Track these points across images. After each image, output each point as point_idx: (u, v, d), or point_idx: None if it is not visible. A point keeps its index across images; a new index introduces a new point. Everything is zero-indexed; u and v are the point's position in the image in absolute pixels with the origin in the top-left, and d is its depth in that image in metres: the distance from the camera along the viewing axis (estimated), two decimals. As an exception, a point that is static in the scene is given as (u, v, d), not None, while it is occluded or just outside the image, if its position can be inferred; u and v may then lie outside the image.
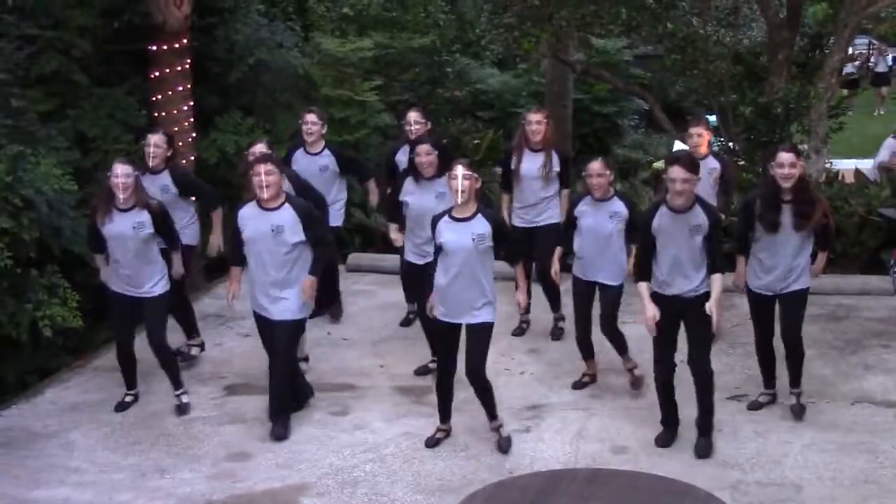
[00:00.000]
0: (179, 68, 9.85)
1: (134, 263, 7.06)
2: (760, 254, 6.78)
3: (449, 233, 6.36)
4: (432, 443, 6.70)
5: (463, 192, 6.24)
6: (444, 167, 7.03)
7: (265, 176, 6.59)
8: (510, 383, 7.63)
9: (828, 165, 11.93)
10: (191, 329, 8.23)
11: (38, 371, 8.05)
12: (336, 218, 8.65)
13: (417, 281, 7.31)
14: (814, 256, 6.89)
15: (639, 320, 6.74)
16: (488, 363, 6.62)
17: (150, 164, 7.65)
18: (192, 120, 10.05)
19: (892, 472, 6.24)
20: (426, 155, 7.24)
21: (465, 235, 6.31)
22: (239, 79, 10.74)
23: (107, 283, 7.28)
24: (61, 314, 7.75)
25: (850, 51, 16.63)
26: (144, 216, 6.98)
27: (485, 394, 6.59)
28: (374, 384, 7.79)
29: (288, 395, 7.00)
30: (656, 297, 6.38)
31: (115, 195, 6.89)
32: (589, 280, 7.31)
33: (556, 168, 8.09)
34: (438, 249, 6.44)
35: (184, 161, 9.83)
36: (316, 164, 8.50)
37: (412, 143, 7.97)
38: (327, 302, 8.87)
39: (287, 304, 6.80)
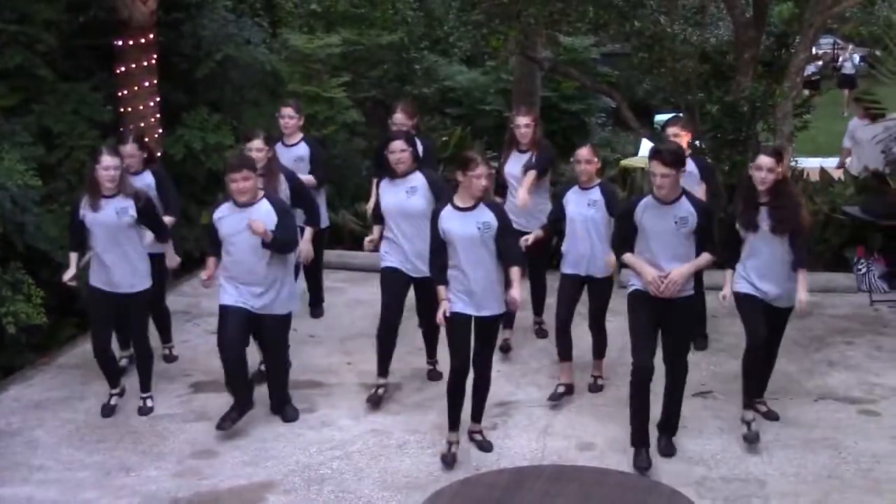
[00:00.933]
0: (146, 64, 9.78)
1: (117, 255, 6.98)
2: (748, 261, 6.61)
3: (454, 223, 6.33)
4: (450, 459, 6.42)
5: (486, 188, 6.36)
6: (415, 162, 7.20)
7: (242, 182, 6.64)
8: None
9: (793, 164, 12.02)
10: (167, 334, 8.21)
11: (2, 368, 7.98)
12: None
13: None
14: None
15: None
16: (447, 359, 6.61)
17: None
18: (158, 116, 9.99)
19: (855, 468, 6.31)
20: (400, 152, 7.15)
21: (471, 225, 6.29)
22: (206, 75, 10.67)
23: (88, 281, 7.16)
24: (25, 311, 7.69)
25: (815, 51, 16.77)
26: (128, 203, 6.95)
27: (484, 387, 6.57)
28: (342, 381, 7.78)
29: (286, 383, 7.20)
30: (641, 294, 6.31)
31: (101, 185, 6.88)
32: (576, 274, 7.30)
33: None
34: (441, 243, 6.38)
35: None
36: (291, 154, 8.46)
37: (391, 133, 7.97)
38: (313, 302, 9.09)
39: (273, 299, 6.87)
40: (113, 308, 7.13)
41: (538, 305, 8.52)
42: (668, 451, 6.48)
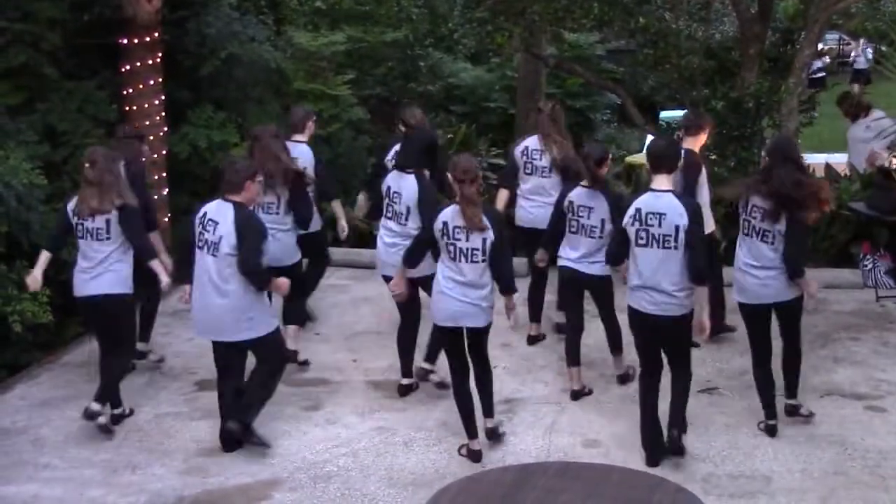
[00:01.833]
0: (150, 62, 9.77)
1: (97, 262, 6.82)
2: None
3: (459, 235, 6.28)
4: (478, 456, 6.44)
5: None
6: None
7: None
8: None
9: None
10: (146, 333, 8.00)
11: (8, 367, 7.99)
12: (315, 222, 8.22)
13: None
14: None
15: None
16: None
17: None
18: (163, 114, 9.98)
19: (861, 464, 6.30)
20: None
21: (475, 241, 6.23)
22: (211, 73, 10.67)
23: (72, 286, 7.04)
24: (31, 309, 7.70)
25: (821, 46, 16.74)
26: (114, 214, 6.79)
27: (488, 376, 6.56)
28: (347, 379, 7.78)
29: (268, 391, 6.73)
30: (633, 313, 6.22)
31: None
32: (572, 266, 7.24)
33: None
34: (433, 240, 6.37)
35: (155, 156, 9.78)
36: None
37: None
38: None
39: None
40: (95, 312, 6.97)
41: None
42: (676, 449, 6.46)
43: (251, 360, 6.67)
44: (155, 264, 7.03)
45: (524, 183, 8.24)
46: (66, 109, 9.26)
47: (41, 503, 6.12)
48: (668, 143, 6.63)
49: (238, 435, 6.52)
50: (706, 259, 6.22)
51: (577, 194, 7.16)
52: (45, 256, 7.04)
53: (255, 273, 6.33)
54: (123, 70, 9.72)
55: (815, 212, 6.41)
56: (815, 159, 12.90)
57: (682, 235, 5.97)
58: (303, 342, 8.19)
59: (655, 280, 6.04)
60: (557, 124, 8.20)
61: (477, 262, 6.24)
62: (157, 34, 9.78)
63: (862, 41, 23.42)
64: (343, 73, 12.74)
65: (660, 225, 6.00)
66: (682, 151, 6.92)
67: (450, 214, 6.30)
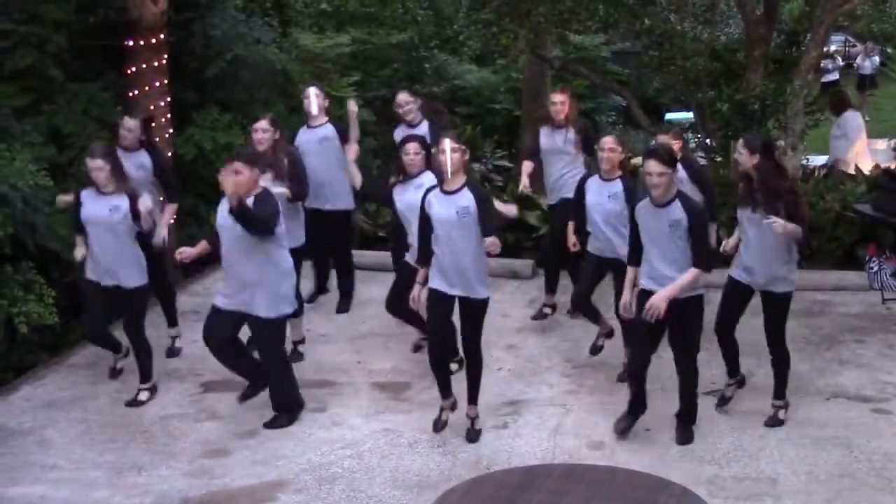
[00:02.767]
0: (156, 64, 9.78)
1: (110, 253, 7.17)
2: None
3: (436, 205, 6.46)
4: (440, 426, 6.82)
5: (452, 164, 6.36)
6: (429, 165, 7.17)
7: (234, 175, 6.51)
8: (488, 379, 7.62)
9: (804, 162, 12.01)
10: (172, 318, 8.36)
11: (14, 368, 8.00)
12: (345, 199, 8.88)
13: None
14: None
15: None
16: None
17: (122, 143, 7.92)
18: (169, 116, 10.00)
19: (867, 467, 6.28)
20: (414, 154, 7.17)
21: (450, 208, 6.39)
22: (216, 74, 10.68)
23: (83, 270, 7.36)
24: (37, 311, 7.72)
25: (827, 48, 16.71)
26: (122, 200, 7.11)
27: (477, 366, 6.70)
28: (352, 380, 7.78)
29: (283, 387, 7.05)
30: (642, 293, 6.40)
31: (97, 183, 7.13)
32: (600, 255, 7.47)
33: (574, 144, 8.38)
34: (427, 220, 6.51)
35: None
36: (316, 135, 8.65)
37: (409, 123, 8.67)
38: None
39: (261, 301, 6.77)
40: (107, 300, 7.33)
41: (552, 284, 8.81)
42: (683, 439, 6.56)
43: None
44: None
45: None
46: (71, 111, 9.28)
47: (47, 504, 6.14)
48: None
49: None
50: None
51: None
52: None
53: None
54: (129, 72, 9.74)
55: None
56: (820, 161, 12.91)
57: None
58: (308, 343, 8.21)
59: None
60: None
61: None
62: (162, 36, 9.80)
63: (868, 45, 23.17)
64: (348, 74, 12.75)
65: None
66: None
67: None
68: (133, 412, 7.25)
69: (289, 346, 7.66)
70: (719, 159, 11.48)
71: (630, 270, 6.60)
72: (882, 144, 15.60)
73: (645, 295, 6.35)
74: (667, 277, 6.26)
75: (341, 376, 7.85)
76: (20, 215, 7.79)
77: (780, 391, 6.90)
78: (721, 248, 7.22)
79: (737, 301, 6.86)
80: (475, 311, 6.60)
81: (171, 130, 10.03)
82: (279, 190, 7.47)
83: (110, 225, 7.12)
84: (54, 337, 8.40)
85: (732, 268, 6.92)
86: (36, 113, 9.04)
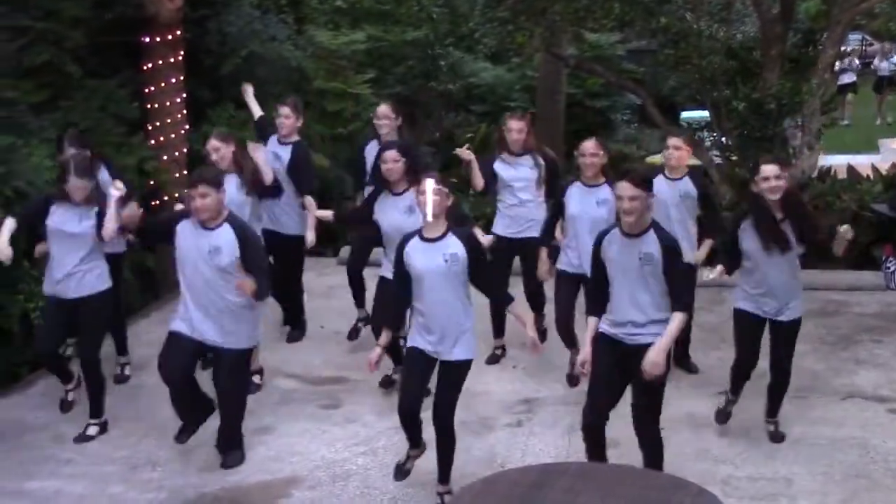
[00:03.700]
0: (172, 60, 9.81)
1: (71, 259, 6.72)
2: (746, 284, 6.42)
3: (418, 255, 5.71)
4: (403, 475, 6.19)
5: (434, 207, 5.63)
6: (412, 177, 6.52)
7: (199, 199, 6.07)
8: (502, 377, 7.64)
9: (821, 162, 11.97)
10: (122, 346, 7.93)
11: (30, 363, 8.01)
12: (296, 225, 8.12)
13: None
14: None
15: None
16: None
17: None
18: (184, 112, 10.02)
19: (883, 467, 6.26)
20: (392, 162, 6.64)
21: (436, 257, 5.67)
22: (231, 71, 10.71)
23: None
24: (52, 306, 7.71)
25: (844, 47, 16.62)
26: (92, 213, 6.68)
27: (446, 442, 5.94)
28: (366, 378, 7.76)
29: (239, 422, 6.54)
30: (603, 339, 5.66)
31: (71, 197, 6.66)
32: (577, 272, 6.99)
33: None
34: (404, 276, 5.79)
35: (176, 154, 9.81)
36: (278, 153, 8.06)
37: (381, 140, 7.76)
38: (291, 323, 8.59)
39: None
40: (65, 314, 6.83)
41: (538, 310, 8.03)
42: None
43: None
44: None
45: None
46: (88, 108, 9.30)
47: (63, 499, 6.15)
48: None
49: None
50: None
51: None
52: None
53: None
54: (145, 68, 9.77)
55: None
56: (837, 161, 12.87)
57: None
58: (321, 340, 8.23)
59: None
60: None
61: None
62: (178, 32, 9.83)
63: (885, 44, 22.97)
64: (363, 71, 12.77)
65: None
66: None
67: None
68: (148, 408, 7.26)
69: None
70: (734, 158, 11.45)
71: (590, 322, 5.73)
72: (899, 145, 15.56)
73: (606, 342, 5.64)
74: (629, 322, 5.53)
75: (355, 373, 7.84)
76: (37, 211, 7.80)
77: (775, 410, 6.64)
78: (704, 276, 6.61)
79: (757, 337, 6.46)
80: (456, 373, 5.86)
81: (186, 127, 10.05)
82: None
83: (78, 237, 6.73)
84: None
85: (738, 301, 6.46)
86: (53, 109, 9.06)
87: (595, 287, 5.72)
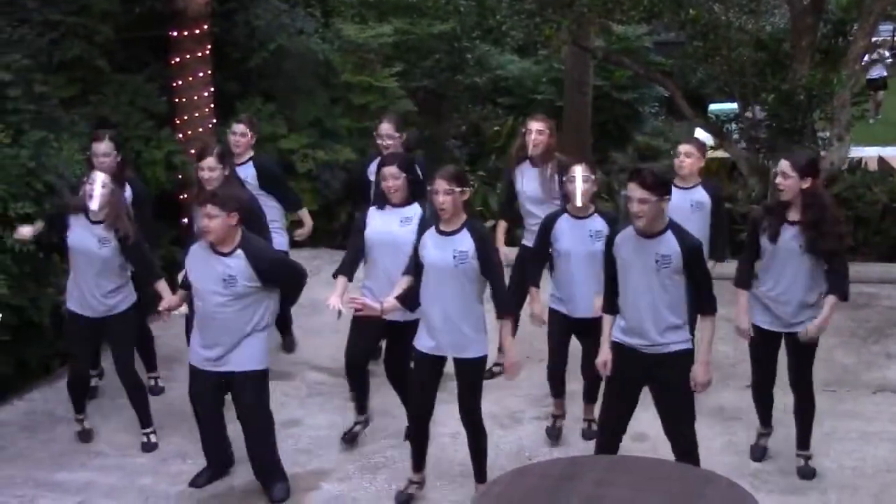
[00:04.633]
0: (200, 54, 9.85)
1: (92, 277, 6.54)
2: (763, 286, 6.05)
3: (431, 247, 5.61)
4: (403, 498, 6.00)
5: (442, 209, 5.54)
6: (414, 193, 6.20)
7: (206, 220, 5.73)
8: (531, 371, 7.60)
9: (851, 155, 11.87)
10: (152, 361, 7.74)
11: (60, 355, 8.07)
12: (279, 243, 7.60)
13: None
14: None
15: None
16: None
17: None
18: (212, 106, 10.06)
19: (915, 461, 6.22)
20: (393, 179, 6.12)
21: (447, 251, 5.56)
22: (259, 65, 10.75)
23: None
24: (83, 299, 7.76)
25: (875, 38, 16.47)
26: (110, 234, 6.45)
27: (479, 441, 5.89)
28: (394, 370, 7.79)
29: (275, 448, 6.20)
30: (616, 348, 5.47)
31: (88, 203, 6.41)
32: (569, 316, 6.51)
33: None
34: (418, 266, 5.68)
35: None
36: (241, 176, 7.44)
37: (383, 157, 6.86)
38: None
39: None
40: (91, 333, 6.72)
41: None
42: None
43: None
44: None
45: None
46: (117, 101, 9.37)
47: (94, 490, 6.21)
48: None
49: None
50: None
51: None
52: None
53: None
54: (173, 62, 9.81)
55: None
56: (867, 153, 12.77)
57: None
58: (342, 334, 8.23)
59: None
60: None
61: None
62: (206, 26, 9.86)
63: None
64: (390, 65, 12.76)
65: None
66: None
67: None
68: (178, 400, 7.30)
69: None
70: (763, 150, 11.38)
71: (606, 320, 5.56)
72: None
73: (623, 354, 5.44)
74: (643, 329, 5.34)
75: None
76: (68, 204, 7.86)
77: (806, 439, 6.21)
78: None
79: (772, 353, 6.16)
80: (471, 371, 5.78)
81: (214, 121, 10.09)
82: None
83: (97, 256, 6.58)
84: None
85: (755, 315, 6.09)
86: (83, 103, 9.13)
87: (609, 283, 5.50)
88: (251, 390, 5.95)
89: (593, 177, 5.90)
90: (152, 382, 7.65)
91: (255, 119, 8.18)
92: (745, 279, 6.08)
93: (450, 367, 5.89)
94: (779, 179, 5.81)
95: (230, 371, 5.93)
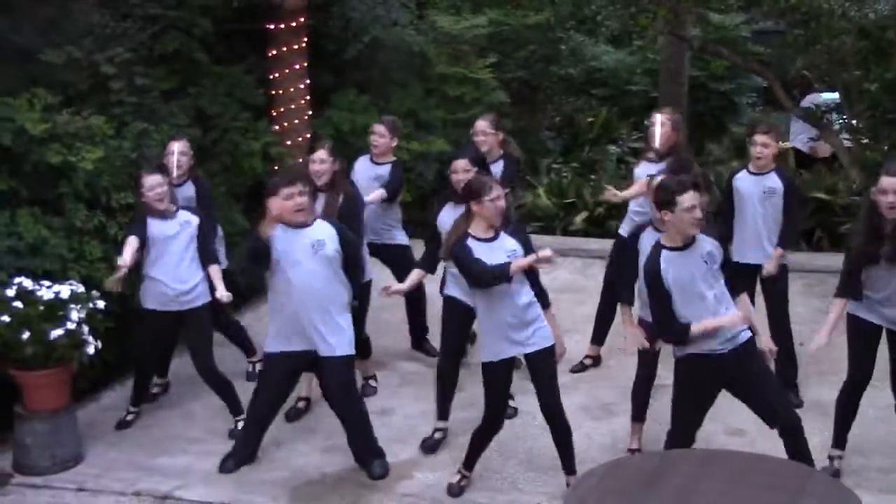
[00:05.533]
0: (296, 47, 9.96)
1: (170, 268, 6.73)
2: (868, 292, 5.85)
3: (483, 254, 5.63)
4: (456, 490, 6.08)
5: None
6: None
7: (299, 197, 5.95)
8: (626, 363, 7.54)
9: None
10: (249, 345, 7.87)
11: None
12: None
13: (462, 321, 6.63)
14: None
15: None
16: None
17: (175, 173, 7.20)
18: (307, 98, 10.16)
19: None
20: (464, 172, 6.28)
21: (500, 255, 5.62)
22: (354, 56, 10.81)
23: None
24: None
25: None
26: (188, 215, 6.79)
27: (565, 435, 5.95)
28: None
29: (364, 433, 6.33)
30: (699, 361, 5.45)
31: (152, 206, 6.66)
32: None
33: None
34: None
35: (300, 139, 9.95)
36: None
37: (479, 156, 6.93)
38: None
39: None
40: (166, 329, 6.93)
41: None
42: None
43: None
44: None
45: None
46: (216, 94, 9.51)
47: (192, 475, 6.33)
48: None
49: None
50: None
51: None
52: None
53: None
54: (270, 55, 9.93)
55: None
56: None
57: None
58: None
59: None
60: None
61: None
62: (302, 19, 9.96)
63: None
64: (485, 56, 12.75)
65: None
66: None
67: None
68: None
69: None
70: (865, 141, 11.10)
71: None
72: None
73: (703, 366, 5.47)
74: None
75: (475, 357, 7.85)
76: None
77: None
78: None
79: (872, 348, 5.97)
80: (546, 361, 5.87)
81: (309, 112, 10.20)
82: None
83: (179, 241, 6.81)
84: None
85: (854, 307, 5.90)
86: (182, 95, 9.29)
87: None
88: (340, 373, 6.17)
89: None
90: (250, 368, 7.74)
91: (398, 122, 8.10)
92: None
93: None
94: (891, 199, 5.51)
95: (323, 356, 6.12)
